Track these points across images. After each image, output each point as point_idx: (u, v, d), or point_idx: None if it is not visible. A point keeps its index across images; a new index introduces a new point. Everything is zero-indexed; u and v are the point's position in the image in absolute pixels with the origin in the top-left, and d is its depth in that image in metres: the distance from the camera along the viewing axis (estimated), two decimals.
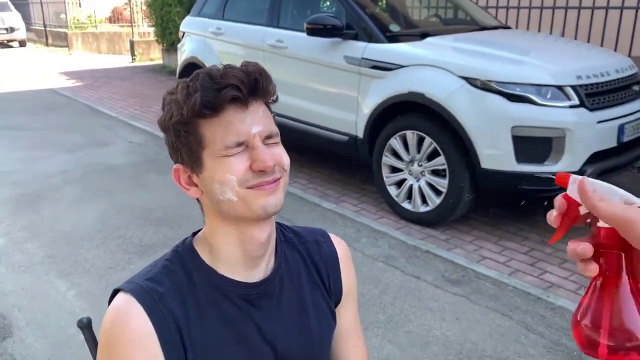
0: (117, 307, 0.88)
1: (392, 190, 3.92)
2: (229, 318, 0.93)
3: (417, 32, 4.14)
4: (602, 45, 4.97)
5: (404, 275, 3.18)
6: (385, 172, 3.94)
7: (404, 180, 3.84)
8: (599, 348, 0.55)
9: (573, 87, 3.38)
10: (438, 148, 3.58)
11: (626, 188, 0.58)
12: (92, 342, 1.05)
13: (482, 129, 3.41)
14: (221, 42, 5.26)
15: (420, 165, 3.72)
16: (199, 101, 0.85)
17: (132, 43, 13.18)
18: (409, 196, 3.84)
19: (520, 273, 3.21)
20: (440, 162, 3.60)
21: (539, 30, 5.62)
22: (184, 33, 5.85)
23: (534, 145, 3.37)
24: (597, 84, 3.48)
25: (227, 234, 0.93)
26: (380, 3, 4.96)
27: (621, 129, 3.52)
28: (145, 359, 0.85)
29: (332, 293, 1.07)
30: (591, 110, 3.39)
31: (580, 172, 3.38)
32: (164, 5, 10.50)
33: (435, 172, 3.66)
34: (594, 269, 0.56)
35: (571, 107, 3.36)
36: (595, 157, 3.43)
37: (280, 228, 1.07)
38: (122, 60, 13.43)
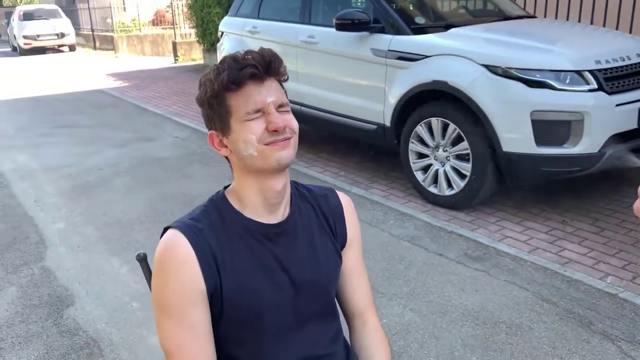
0: (167, 238, 1.15)
1: (419, 176, 4.12)
2: (252, 249, 1.18)
3: (441, 24, 4.31)
4: (617, 28, 5.00)
5: (428, 253, 3.38)
6: (412, 158, 4.15)
7: (429, 165, 4.04)
8: None
9: (591, 71, 3.50)
10: (462, 133, 3.76)
11: None
12: (148, 272, 1.31)
13: (502, 114, 3.58)
14: (257, 40, 5.54)
15: (445, 151, 3.91)
16: (226, 78, 1.11)
17: (174, 44, 13.71)
18: (435, 180, 4.03)
19: (540, 250, 3.37)
20: (464, 147, 3.78)
21: (567, 19, 5.69)
22: (222, 33, 6.18)
23: (553, 128, 3.51)
24: (616, 67, 3.59)
25: (250, 185, 1.19)
26: None
27: None
28: (189, 277, 1.11)
29: (338, 237, 1.31)
30: (610, 93, 3.50)
31: (600, 153, 3.51)
32: (204, 6, 10.92)
33: (460, 157, 3.84)
34: None
35: (589, 91, 3.48)
36: (615, 139, 3.54)
37: (295, 185, 1.32)
38: (166, 61, 13.98)
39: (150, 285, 1.28)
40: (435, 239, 3.55)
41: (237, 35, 5.86)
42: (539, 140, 3.51)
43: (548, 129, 3.51)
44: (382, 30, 4.28)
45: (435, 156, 4.00)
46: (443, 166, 3.96)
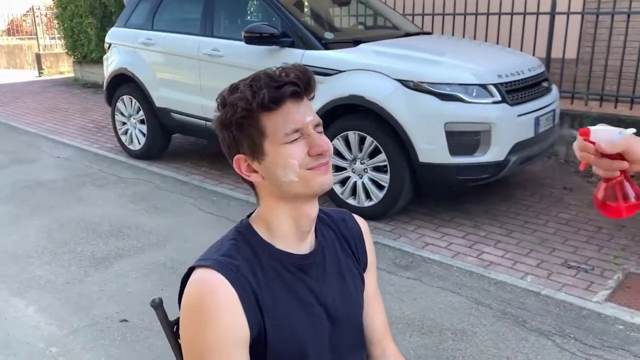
0: (203, 278, 1.01)
1: (337, 188, 4.14)
2: (289, 284, 1.08)
3: (349, 39, 4.39)
4: (509, 47, 5.48)
5: None
6: None
7: (347, 178, 4.07)
8: (620, 207, 0.99)
9: (495, 85, 3.76)
10: (379, 146, 3.85)
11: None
12: (165, 320, 1.14)
13: (418, 126, 3.71)
14: (153, 52, 5.26)
15: (363, 163, 3.97)
16: (266, 97, 1.00)
17: (38, 56, 12.59)
18: (354, 192, 4.07)
19: (461, 255, 3.53)
20: (381, 159, 3.86)
21: (453, 34, 6.09)
22: (110, 44, 5.77)
23: (464, 138, 3.71)
24: (514, 81, 3.90)
25: (283, 212, 1.09)
26: (308, 12, 5.19)
27: (537, 121, 3.96)
28: (233, 320, 0.98)
29: (360, 262, 1.25)
30: (512, 105, 3.79)
31: (505, 161, 3.77)
32: (74, 16, 10.17)
33: (377, 169, 3.92)
34: (623, 164, 0.96)
35: (494, 103, 3.74)
36: (517, 147, 3.83)
37: None
38: (28, 75, 12.79)
39: (168, 333, 1.12)
40: None
41: (128, 47, 5.51)
42: (453, 151, 3.69)
43: (460, 139, 3.70)
44: (292, 45, 4.26)
45: (352, 169, 4.04)
46: (361, 178, 4.02)
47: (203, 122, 4.90)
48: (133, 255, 3.57)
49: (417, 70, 3.80)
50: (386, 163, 3.84)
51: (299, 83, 1.03)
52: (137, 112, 5.53)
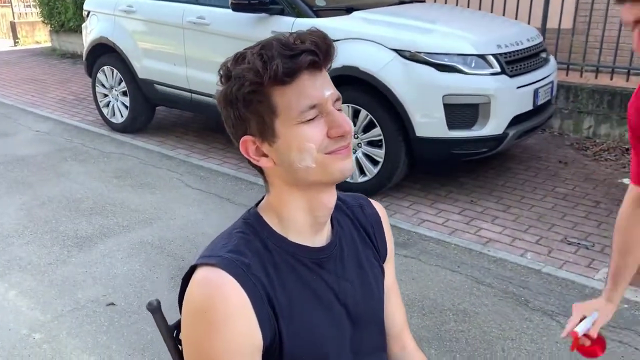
0: (208, 279, 0.87)
1: None
2: (305, 280, 0.95)
3: (342, 6, 4.20)
4: (504, 16, 5.32)
5: None
6: None
7: None
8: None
9: (494, 55, 3.62)
10: (374, 119, 3.70)
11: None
12: (164, 324, 1.01)
13: (415, 98, 3.57)
14: (134, 20, 5.01)
15: (357, 137, 3.83)
16: (280, 69, 0.85)
17: (13, 25, 12.11)
18: None
19: (459, 232, 3.43)
20: (376, 133, 3.72)
21: (446, 2, 5.90)
22: (88, 12, 5.50)
23: (463, 111, 3.59)
24: (514, 52, 3.76)
25: (296, 201, 0.95)
26: None
27: (536, 93, 3.84)
28: (242, 327, 0.85)
29: (380, 252, 1.13)
30: (511, 76, 3.66)
31: (504, 134, 3.66)
32: None
33: (371, 143, 3.78)
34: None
35: (493, 74, 3.60)
36: (516, 120, 3.72)
37: None
38: (2, 44, 12.30)
39: (167, 338, 0.99)
40: None
41: (108, 15, 5.24)
42: (451, 124, 3.57)
43: (458, 112, 3.57)
44: (282, 12, 4.06)
45: None
46: (355, 153, 3.88)
47: (188, 94, 4.70)
48: (118, 234, 3.42)
49: (414, 40, 3.64)
50: (381, 137, 3.71)
51: (318, 51, 0.88)
52: (119, 83, 5.29)
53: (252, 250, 0.92)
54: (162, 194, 4.03)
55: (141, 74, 5.03)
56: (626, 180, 3.97)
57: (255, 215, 0.98)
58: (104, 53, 5.35)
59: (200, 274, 0.89)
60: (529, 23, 5.18)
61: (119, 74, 5.25)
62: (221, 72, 0.93)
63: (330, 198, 0.97)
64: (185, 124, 5.81)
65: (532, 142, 4.99)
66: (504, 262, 3.06)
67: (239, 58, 0.91)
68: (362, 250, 1.08)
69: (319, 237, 1.00)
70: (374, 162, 3.80)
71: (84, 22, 5.64)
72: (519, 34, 4.01)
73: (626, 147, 4.63)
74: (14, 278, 2.96)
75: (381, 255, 1.13)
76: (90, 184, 4.19)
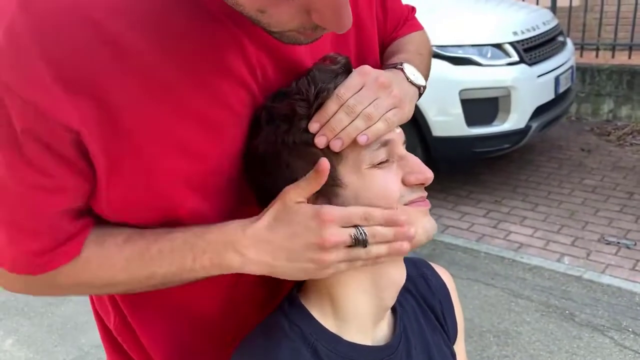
0: None
1: None
2: None
3: None
4: None
5: None
6: None
7: None
8: None
9: (511, 43, 3.36)
10: None
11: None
12: None
13: (430, 96, 3.27)
14: None
15: None
16: None
17: None
18: None
19: (487, 237, 3.18)
20: None
21: None
22: None
23: (481, 106, 3.33)
24: (531, 38, 3.49)
25: (359, 281, 0.70)
26: None
27: (557, 81, 3.58)
28: None
29: (450, 334, 0.88)
30: (530, 65, 3.40)
31: (527, 127, 3.41)
32: None
33: None
34: None
35: (511, 64, 3.34)
36: (538, 112, 3.46)
37: None
38: None
39: None
40: None
41: None
42: (470, 121, 3.31)
43: (477, 107, 3.32)
44: None
45: None
46: None
47: None
48: None
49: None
50: None
51: None
52: None
53: None
54: None
55: None
56: None
57: (300, 306, 0.72)
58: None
59: None
60: (537, 4, 4.91)
61: None
62: (257, 114, 0.68)
63: (402, 272, 0.73)
64: None
65: (549, 129, 4.72)
66: (541, 270, 2.82)
67: (279, 94, 0.66)
68: (430, 337, 0.83)
69: (380, 329, 0.75)
70: None
71: None
72: (534, 18, 3.73)
73: None
74: (10, 323, 2.72)
75: (451, 338, 0.88)
76: None
